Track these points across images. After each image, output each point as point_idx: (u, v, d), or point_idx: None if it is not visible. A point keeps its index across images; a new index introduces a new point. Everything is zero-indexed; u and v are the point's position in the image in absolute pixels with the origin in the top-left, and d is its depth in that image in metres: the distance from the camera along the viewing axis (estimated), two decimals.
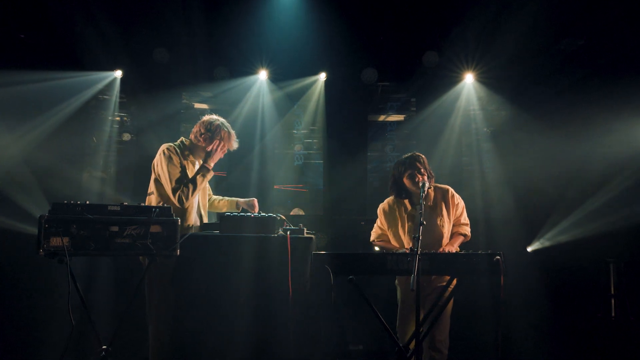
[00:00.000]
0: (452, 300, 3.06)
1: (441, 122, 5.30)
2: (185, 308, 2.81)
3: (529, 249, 4.84)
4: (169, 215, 2.65)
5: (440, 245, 3.17)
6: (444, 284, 3.01)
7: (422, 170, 3.14)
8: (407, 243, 3.19)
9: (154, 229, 2.57)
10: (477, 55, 5.00)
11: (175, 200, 3.01)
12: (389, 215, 3.30)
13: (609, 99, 4.58)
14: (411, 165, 3.16)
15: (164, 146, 3.13)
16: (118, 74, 5.21)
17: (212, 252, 2.86)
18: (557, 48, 4.86)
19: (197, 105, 5.60)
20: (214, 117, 3.26)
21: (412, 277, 2.39)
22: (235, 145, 3.28)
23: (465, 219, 3.28)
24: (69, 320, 2.43)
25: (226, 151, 3.26)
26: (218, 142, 3.15)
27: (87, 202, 2.57)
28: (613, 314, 4.31)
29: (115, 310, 4.08)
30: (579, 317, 4.45)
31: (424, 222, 2.62)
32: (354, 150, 5.42)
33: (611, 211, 4.53)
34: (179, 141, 3.20)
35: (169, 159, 3.04)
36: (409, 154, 3.27)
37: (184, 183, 3.04)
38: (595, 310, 4.41)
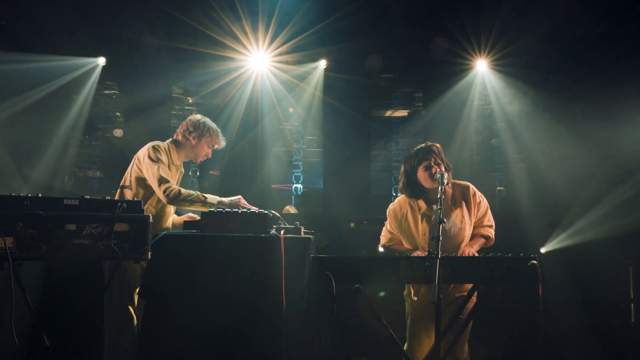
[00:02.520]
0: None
1: (451, 115, 5.14)
2: (157, 321, 2.42)
3: (543, 250, 4.64)
4: (139, 211, 2.24)
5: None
6: (465, 293, 2.70)
7: (439, 160, 2.84)
8: (423, 247, 2.86)
9: (120, 227, 2.22)
10: (491, 41, 4.92)
11: (160, 193, 2.96)
12: (401, 217, 2.96)
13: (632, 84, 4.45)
14: (425, 156, 2.85)
15: (153, 143, 3.15)
16: (101, 61, 5.07)
17: (190, 255, 2.54)
18: (574, 35, 4.79)
19: (191, 100, 5.56)
20: (199, 116, 3.37)
21: (432, 286, 2.02)
22: (222, 143, 3.36)
23: (489, 220, 2.97)
24: (12, 340, 2.09)
25: (212, 149, 3.35)
26: (206, 139, 3.26)
27: (39, 195, 2.20)
28: (633, 320, 4.18)
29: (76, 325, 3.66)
30: (595, 323, 4.22)
31: (445, 220, 2.31)
32: (356, 147, 5.45)
33: (632, 209, 4.33)
34: (167, 141, 3.26)
35: (157, 157, 3.07)
36: (422, 144, 2.97)
37: (172, 183, 3.04)
38: (614, 315, 4.27)
